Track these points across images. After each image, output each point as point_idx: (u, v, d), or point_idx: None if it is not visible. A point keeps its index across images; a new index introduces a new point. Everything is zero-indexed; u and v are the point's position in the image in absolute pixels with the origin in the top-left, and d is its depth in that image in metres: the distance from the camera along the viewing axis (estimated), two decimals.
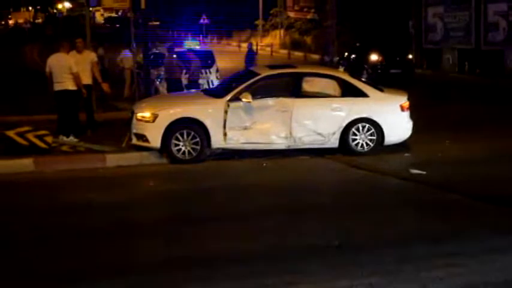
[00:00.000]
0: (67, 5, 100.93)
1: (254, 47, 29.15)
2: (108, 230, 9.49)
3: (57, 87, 15.17)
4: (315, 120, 14.24)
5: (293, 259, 8.11)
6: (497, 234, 8.99)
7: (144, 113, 14.16)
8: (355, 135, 14.33)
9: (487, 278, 7.42)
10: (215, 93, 14.96)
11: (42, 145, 14.15)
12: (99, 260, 8.24)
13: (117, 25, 65.25)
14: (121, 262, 8.18)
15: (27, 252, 8.57)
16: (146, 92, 19.60)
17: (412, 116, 14.86)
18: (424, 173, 12.69)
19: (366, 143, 14.38)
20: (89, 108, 16.80)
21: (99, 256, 8.40)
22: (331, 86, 14.67)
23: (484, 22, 33.50)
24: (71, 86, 15.17)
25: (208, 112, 14.06)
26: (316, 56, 47.37)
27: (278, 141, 14.19)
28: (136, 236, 9.18)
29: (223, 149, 14.32)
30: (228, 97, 14.09)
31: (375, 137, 14.37)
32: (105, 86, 16.85)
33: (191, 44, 28.54)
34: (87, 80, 16.04)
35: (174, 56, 20.64)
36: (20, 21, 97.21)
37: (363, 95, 14.62)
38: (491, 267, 7.74)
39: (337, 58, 38.02)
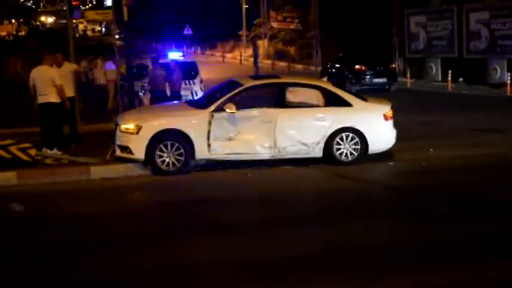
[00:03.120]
0: (50, 19, 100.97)
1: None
2: (91, 242, 9.44)
3: (41, 99, 15.11)
4: (299, 130, 14.25)
5: (278, 270, 8.09)
6: (480, 243, 9.02)
7: (127, 125, 14.13)
8: (339, 144, 14.34)
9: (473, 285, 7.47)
10: (199, 104, 14.96)
11: (26, 158, 14.09)
12: (80, 274, 8.21)
13: None
14: (103, 275, 8.14)
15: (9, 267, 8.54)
16: (130, 103, 19.55)
17: (395, 125, 14.90)
18: None
19: (350, 152, 14.39)
20: (72, 121, 16.76)
21: (80, 270, 8.36)
22: (315, 96, 14.69)
23: (466, 31, 33.66)
24: (54, 99, 15.12)
25: (192, 123, 14.04)
26: (300, 66, 47.51)
27: (262, 151, 14.19)
28: (120, 249, 9.13)
29: (208, 160, 14.31)
30: (212, 108, 14.09)
31: (358, 146, 14.39)
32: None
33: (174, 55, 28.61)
34: (70, 92, 16.01)
35: (159, 67, 20.66)
36: (3, 33, 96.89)
37: (346, 104, 14.64)
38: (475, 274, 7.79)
39: (321, 68, 38.32)
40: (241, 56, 55.89)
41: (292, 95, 14.58)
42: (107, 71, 22.78)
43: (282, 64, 49.12)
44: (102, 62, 22.50)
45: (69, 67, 16.74)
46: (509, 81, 28.89)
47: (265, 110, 14.23)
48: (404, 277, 7.77)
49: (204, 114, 14.06)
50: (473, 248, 8.80)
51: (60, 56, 16.45)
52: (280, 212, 10.85)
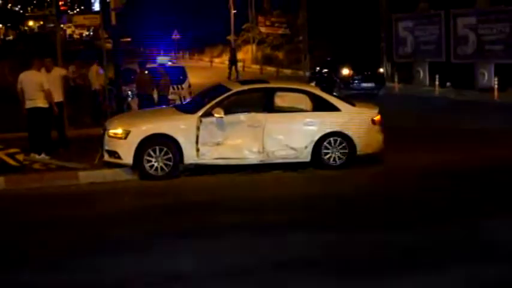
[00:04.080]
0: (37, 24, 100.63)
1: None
2: (79, 247, 9.43)
3: (29, 104, 15.09)
4: (287, 135, 14.28)
5: (264, 275, 8.10)
6: (471, 248, 9.05)
7: (116, 130, 14.12)
8: (327, 149, 14.39)
9: None
10: (187, 108, 14.96)
11: (14, 163, 14.05)
12: (70, 279, 8.20)
13: None
14: (91, 280, 8.14)
15: None
16: (118, 108, 19.53)
17: (383, 129, 14.94)
18: None
19: (338, 156, 14.43)
20: (61, 126, 16.72)
21: (69, 275, 8.36)
22: (303, 101, 14.73)
23: (453, 36, 33.78)
24: (42, 103, 15.09)
25: (180, 128, 14.05)
26: (288, 71, 47.55)
27: (251, 156, 14.21)
28: (108, 254, 9.12)
29: (196, 165, 14.31)
30: (200, 113, 14.10)
31: (347, 151, 14.43)
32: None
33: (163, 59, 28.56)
34: (58, 97, 15.98)
35: (146, 72, 20.67)
36: None
37: (334, 109, 14.69)
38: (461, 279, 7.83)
39: (309, 72, 38.38)
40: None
41: (280, 100, 14.61)
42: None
43: (270, 69, 49.14)
44: (98, 68, 22.39)
45: (58, 72, 16.72)
46: (496, 86, 29.01)
47: (253, 114, 14.26)
48: (395, 281, 7.80)
49: (192, 119, 14.07)
50: (464, 251, 8.84)
51: (49, 61, 16.42)
52: (268, 216, 10.86)
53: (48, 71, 16.09)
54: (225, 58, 57.40)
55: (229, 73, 44.86)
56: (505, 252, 8.75)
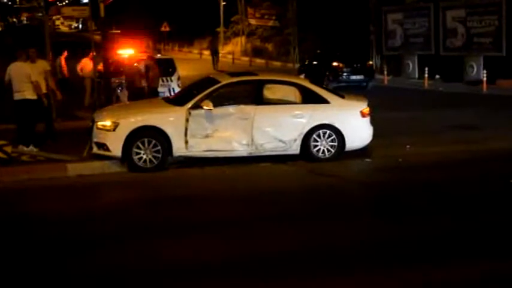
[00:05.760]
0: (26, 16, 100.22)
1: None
2: (67, 240, 9.40)
3: (17, 96, 15.02)
4: (276, 127, 14.27)
5: (251, 270, 8.09)
6: (460, 242, 9.07)
7: (104, 122, 14.08)
8: (317, 141, 14.38)
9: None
10: (176, 101, 14.92)
11: (2, 155, 14.00)
12: (61, 274, 8.18)
13: None
14: (82, 275, 8.12)
15: None
16: (107, 100, 19.46)
17: (372, 122, 14.96)
18: None
19: (327, 149, 14.43)
20: (48, 118, 16.64)
21: (60, 270, 8.34)
22: (292, 93, 14.72)
23: (442, 28, 33.86)
24: (30, 95, 15.03)
25: (169, 120, 14.02)
26: (278, 63, 47.53)
27: (240, 148, 14.20)
28: (95, 248, 9.09)
29: (185, 157, 14.28)
30: (189, 105, 14.07)
31: (336, 143, 14.43)
32: (58, 94, 16.68)
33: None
34: (43, 89, 15.88)
35: (135, 64, 20.60)
36: None
37: (323, 101, 14.68)
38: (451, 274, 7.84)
39: (298, 65, 38.39)
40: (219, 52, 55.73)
41: (269, 92, 14.59)
42: (83, 68, 22.68)
43: (260, 61, 49.11)
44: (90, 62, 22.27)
45: (43, 64, 16.56)
46: (485, 79, 29.08)
47: (242, 107, 14.24)
48: (383, 276, 7.81)
49: (181, 111, 14.04)
50: (450, 245, 8.85)
51: (33, 51, 16.26)
52: (257, 209, 10.88)
53: (33, 61, 15.93)
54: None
55: (215, 63, 45.47)
56: None
